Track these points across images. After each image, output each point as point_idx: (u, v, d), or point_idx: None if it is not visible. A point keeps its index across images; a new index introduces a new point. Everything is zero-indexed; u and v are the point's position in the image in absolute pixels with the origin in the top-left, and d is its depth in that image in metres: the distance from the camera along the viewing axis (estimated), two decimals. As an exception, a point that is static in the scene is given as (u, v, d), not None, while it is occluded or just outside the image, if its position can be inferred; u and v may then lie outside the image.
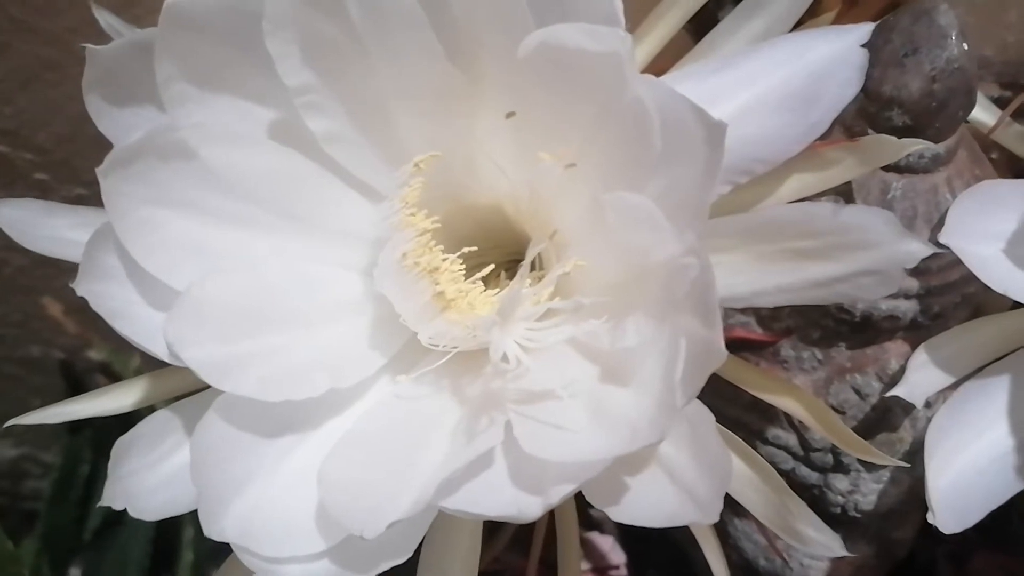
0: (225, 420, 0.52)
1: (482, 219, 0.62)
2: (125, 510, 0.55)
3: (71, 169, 0.86)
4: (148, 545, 0.94)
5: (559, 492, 0.47)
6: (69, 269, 0.54)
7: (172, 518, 0.54)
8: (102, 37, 0.60)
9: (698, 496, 0.47)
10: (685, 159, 0.48)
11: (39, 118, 0.82)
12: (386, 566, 0.49)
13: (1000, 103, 0.70)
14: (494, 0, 0.50)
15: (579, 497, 0.53)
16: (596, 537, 0.85)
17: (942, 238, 0.54)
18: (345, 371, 0.56)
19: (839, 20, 0.63)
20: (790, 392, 0.61)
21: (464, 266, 0.57)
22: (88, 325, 0.77)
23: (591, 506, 0.94)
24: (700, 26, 0.62)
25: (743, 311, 0.66)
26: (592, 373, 0.55)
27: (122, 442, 0.56)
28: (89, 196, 0.53)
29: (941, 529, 0.59)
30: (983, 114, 0.69)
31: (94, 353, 1.01)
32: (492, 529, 0.80)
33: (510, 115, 0.54)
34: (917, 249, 0.48)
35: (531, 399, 0.55)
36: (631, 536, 0.90)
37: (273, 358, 0.54)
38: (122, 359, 0.97)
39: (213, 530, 0.49)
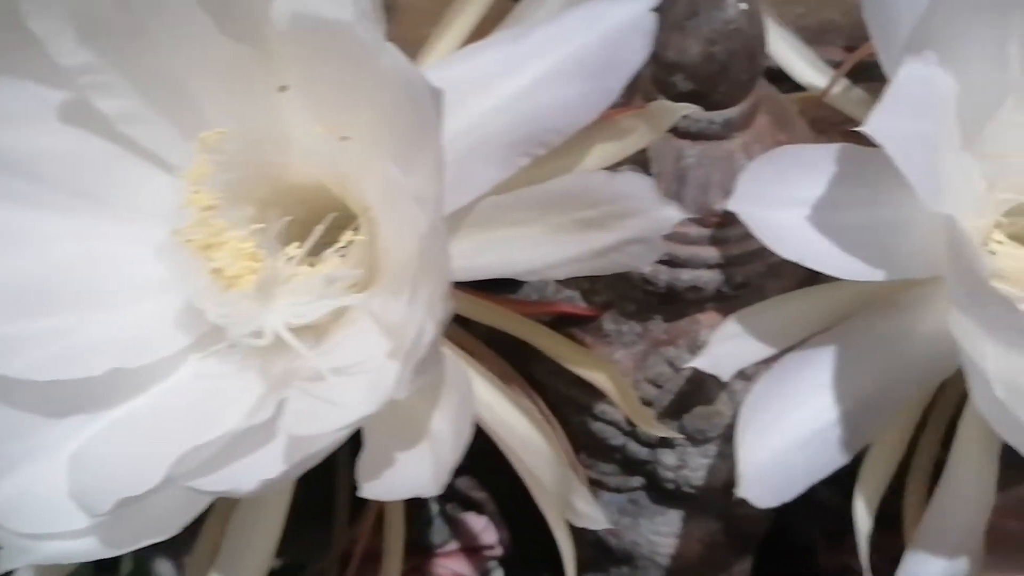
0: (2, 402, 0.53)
1: (311, 198, 0.62)
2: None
3: None
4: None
5: (298, 459, 0.46)
6: None
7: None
8: None
9: (441, 466, 0.47)
10: (425, 129, 0.47)
11: None
12: (147, 542, 0.49)
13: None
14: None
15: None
16: (470, 517, 0.85)
17: (730, 204, 0.53)
18: (138, 351, 0.56)
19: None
20: (599, 366, 0.61)
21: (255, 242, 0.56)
22: None
23: (472, 487, 0.93)
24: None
25: (568, 286, 0.66)
26: (383, 349, 0.55)
27: None
28: None
29: (754, 503, 0.58)
30: (820, 79, 0.68)
31: None
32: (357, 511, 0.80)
33: (283, 89, 0.54)
34: (673, 215, 0.47)
35: (321, 376, 0.54)
36: (514, 518, 0.90)
37: (55, 338, 0.54)
38: None
39: None
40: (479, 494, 0.88)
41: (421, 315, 0.48)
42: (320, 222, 0.61)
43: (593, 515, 0.52)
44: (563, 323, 0.66)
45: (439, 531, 0.83)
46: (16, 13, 0.51)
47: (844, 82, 0.66)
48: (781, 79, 0.69)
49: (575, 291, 0.65)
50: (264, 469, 0.49)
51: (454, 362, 0.51)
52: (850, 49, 0.72)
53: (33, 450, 0.52)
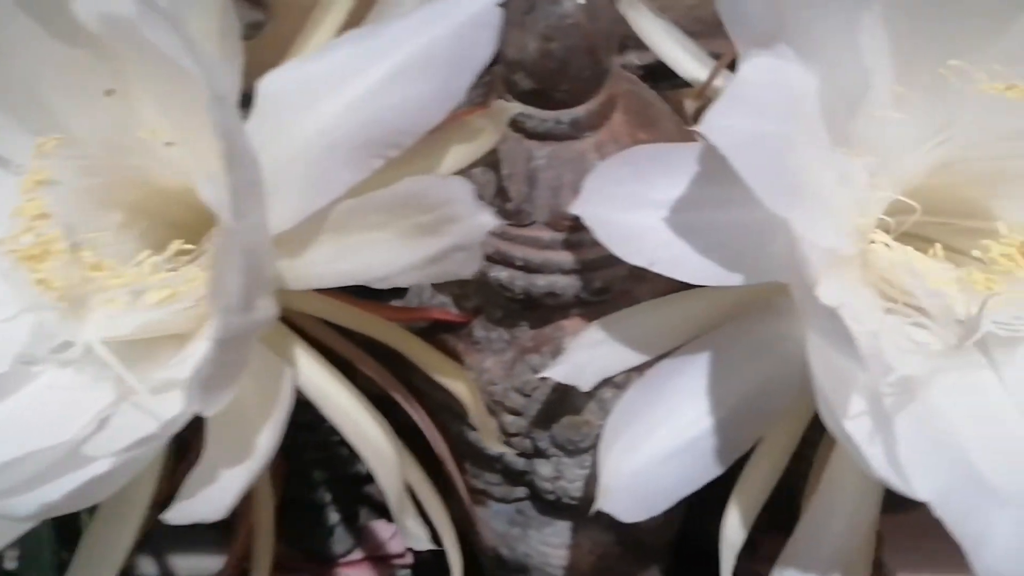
0: None
1: (190, 203, 0.61)
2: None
3: None
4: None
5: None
6: None
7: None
8: None
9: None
10: (227, 130, 0.45)
11: None
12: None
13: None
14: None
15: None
16: (378, 525, 0.83)
17: (573, 207, 0.51)
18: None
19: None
20: (458, 375, 0.59)
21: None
22: None
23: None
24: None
25: (441, 291, 0.64)
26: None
27: None
28: None
29: (620, 518, 0.55)
30: (704, 72, 0.65)
31: None
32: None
33: (109, 93, 0.52)
34: (486, 221, 0.45)
35: (162, 389, 0.53)
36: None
37: None
38: None
39: None
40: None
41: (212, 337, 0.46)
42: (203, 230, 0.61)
43: (418, 534, 0.50)
44: (438, 329, 0.64)
45: (341, 540, 0.81)
46: None
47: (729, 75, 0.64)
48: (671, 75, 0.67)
49: (448, 296, 0.63)
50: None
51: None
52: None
53: None
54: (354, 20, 0.60)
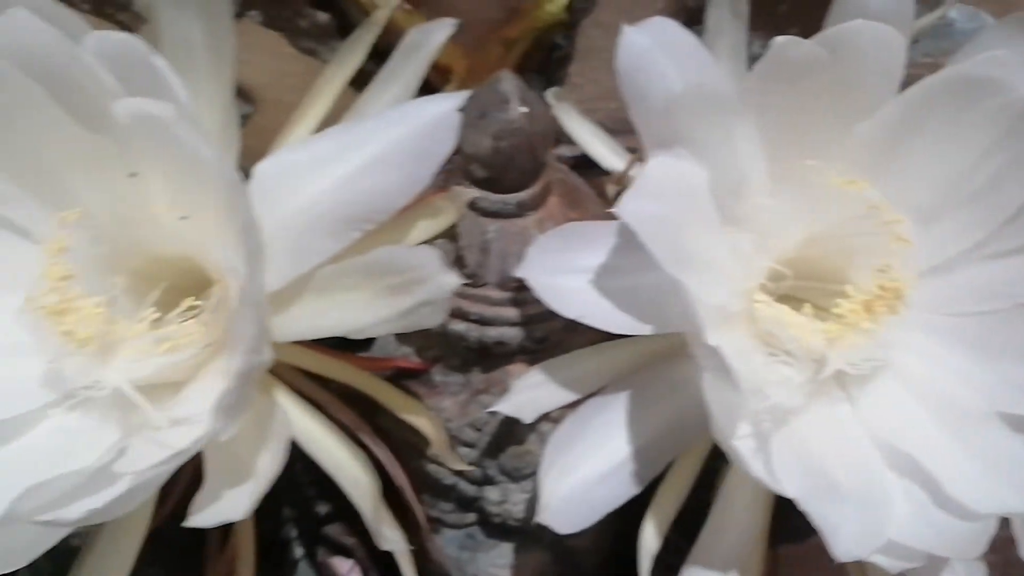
0: None
1: (181, 267, 0.70)
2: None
3: None
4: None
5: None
6: None
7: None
8: None
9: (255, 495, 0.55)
10: (236, 210, 0.56)
11: None
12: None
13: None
14: (91, 79, 0.58)
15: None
16: (336, 561, 0.91)
17: (518, 272, 0.63)
18: (4, 405, 0.63)
19: (462, 87, 0.73)
20: (421, 412, 0.69)
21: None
22: None
23: (342, 533, 0.99)
24: (364, 85, 0.72)
25: (405, 343, 0.74)
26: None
27: None
28: None
29: (556, 530, 0.66)
30: (619, 162, 0.79)
31: None
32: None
33: (133, 175, 0.62)
34: (452, 281, 0.57)
35: (165, 426, 0.62)
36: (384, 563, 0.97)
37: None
38: None
39: None
40: (348, 539, 0.95)
41: (234, 372, 0.56)
42: (194, 290, 0.70)
43: (395, 540, 0.60)
44: (402, 376, 0.75)
45: (304, 573, 0.89)
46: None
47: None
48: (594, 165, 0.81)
49: (411, 348, 0.74)
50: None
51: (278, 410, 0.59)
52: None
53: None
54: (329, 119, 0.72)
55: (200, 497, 0.57)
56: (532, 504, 0.74)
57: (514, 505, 0.73)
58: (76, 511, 0.52)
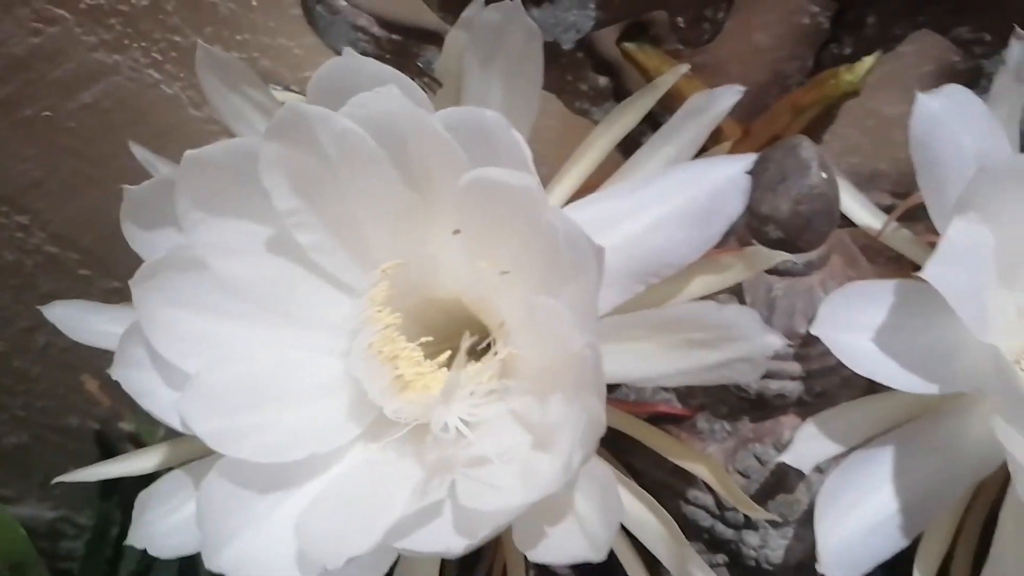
0: (225, 478, 0.65)
1: (448, 309, 0.75)
2: (149, 567, 0.67)
3: (108, 266, 1.02)
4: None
5: (483, 534, 0.58)
6: (105, 351, 0.68)
7: (192, 562, 0.66)
8: (135, 161, 0.75)
9: (597, 541, 0.59)
10: (583, 273, 0.60)
11: (84, 224, 0.98)
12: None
13: (891, 210, 0.82)
14: (439, 147, 0.63)
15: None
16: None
17: (812, 329, 0.66)
18: (324, 439, 0.69)
19: (734, 149, 0.76)
20: (700, 459, 0.72)
21: (425, 351, 0.69)
22: (120, 399, 0.91)
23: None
24: (628, 147, 0.76)
25: (666, 390, 0.78)
26: (525, 442, 0.67)
27: (144, 495, 0.69)
28: (122, 288, 0.68)
29: (829, 579, 0.69)
30: (873, 220, 0.81)
31: (125, 424, 1.15)
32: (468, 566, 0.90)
33: (456, 232, 0.67)
34: (774, 342, 0.60)
35: (475, 463, 0.66)
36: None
37: (266, 428, 0.67)
38: (149, 430, 1.10)
39: (213, 565, 0.62)
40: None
41: (577, 415, 0.60)
42: (455, 330, 0.75)
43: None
44: (659, 420, 0.78)
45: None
46: (253, 171, 0.66)
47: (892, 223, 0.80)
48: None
49: (672, 394, 0.77)
50: (441, 535, 0.61)
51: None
52: (895, 193, 0.87)
53: (248, 521, 0.64)
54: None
55: (521, 534, 0.61)
56: (789, 550, 0.77)
57: (772, 551, 0.76)
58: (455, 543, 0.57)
